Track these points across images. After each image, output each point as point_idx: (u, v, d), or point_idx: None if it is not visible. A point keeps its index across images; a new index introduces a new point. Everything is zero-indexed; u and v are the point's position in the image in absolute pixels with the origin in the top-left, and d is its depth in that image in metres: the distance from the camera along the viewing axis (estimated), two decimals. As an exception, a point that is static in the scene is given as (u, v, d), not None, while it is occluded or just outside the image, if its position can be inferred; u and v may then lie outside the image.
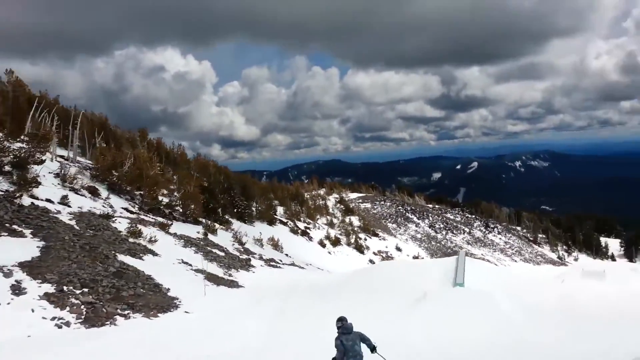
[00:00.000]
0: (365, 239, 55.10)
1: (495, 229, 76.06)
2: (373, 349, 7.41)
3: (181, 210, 25.85)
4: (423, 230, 65.04)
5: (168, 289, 14.45)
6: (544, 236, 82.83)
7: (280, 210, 50.16)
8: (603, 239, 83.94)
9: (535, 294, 18.53)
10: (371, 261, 49.24)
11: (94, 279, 12.71)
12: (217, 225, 27.29)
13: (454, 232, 68.72)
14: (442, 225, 68.84)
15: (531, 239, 79.57)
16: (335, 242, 49.03)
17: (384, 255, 53.38)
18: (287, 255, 31.47)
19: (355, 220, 58.77)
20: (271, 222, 45.11)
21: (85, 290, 12.02)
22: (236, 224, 33.88)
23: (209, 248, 20.98)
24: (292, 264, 27.61)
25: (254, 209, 44.65)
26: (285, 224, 46.79)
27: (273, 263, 24.98)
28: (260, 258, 24.73)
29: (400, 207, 69.36)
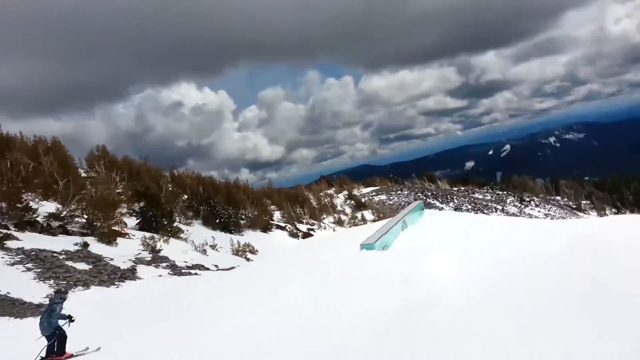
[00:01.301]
0: (382, 233, 48.81)
1: (532, 202, 68.23)
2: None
3: (86, 221, 20.36)
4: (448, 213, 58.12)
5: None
6: (588, 202, 74.20)
7: (278, 215, 44.71)
8: (656, 196, 74.57)
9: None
10: (389, 255, 43.10)
11: None
12: (157, 237, 21.83)
13: (485, 211, 61.39)
14: (470, 207, 61.68)
15: (574, 206, 71.17)
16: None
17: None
18: (250, 260, 26.05)
19: (367, 214, 52.65)
20: (266, 228, 39.71)
21: None
22: (203, 233, 28.65)
23: (71, 263, 15.37)
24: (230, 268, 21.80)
25: (242, 217, 39.44)
26: (283, 228, 41.28)
27: (187, 270, 18.83)
28: (170, 266, 18.62)
29: (419, 194, 62.62)
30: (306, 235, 41.84)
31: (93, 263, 15.30)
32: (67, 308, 8.89)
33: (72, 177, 22.22)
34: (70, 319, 8.72)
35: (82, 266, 14.96)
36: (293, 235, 40.53)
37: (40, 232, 17.58)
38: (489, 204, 65.12)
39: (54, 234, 17.78)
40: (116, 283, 14.27)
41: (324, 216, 48.77)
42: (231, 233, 36.12)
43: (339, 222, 47.73)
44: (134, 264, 16.82)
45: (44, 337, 8.47)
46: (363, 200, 57.88)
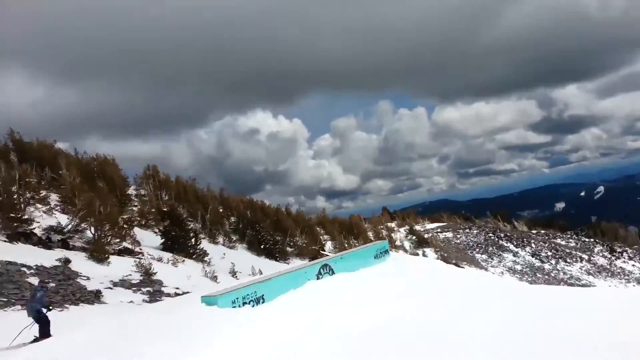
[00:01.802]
0: (444, 275, 44.16)
1: (625, 254, 59.82)
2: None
3: (93, 234, 18.53)
4: (524, 260, 52.02)
5: None
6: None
7: (330, 245, 41.77)
8: None
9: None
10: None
11: None
12: (169, 258, 19.69)
13: (568, 260, 54.47)
14: (549, 253, 55.02)
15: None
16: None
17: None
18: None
19: (430, 253, 48.16)
20: (315, 258, 36.85)
21: None
22: (245, 257, 26.51)
23: (32, 280, 13.33)
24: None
25: (290, 244, 37.09)
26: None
27: (170, 298, 16.02)
28: (153, 292, 15.86)
29: (491, 235, 56.95)
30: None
31: (60, 281, 13.35)
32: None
33: (100, 193, 20.89)
34: (48, 307, 10.24)
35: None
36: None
37: (35, 245, 16.13)
38: (573, 252, 57.85)
39: (49, 248, 16.27)
40: (66, 306, 12.11)
41: (381, 251, 45.02)
42: (276, 260, 33.74)
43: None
44: (111, 286, 14.73)
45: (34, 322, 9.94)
46: (426, 236, 53.39)
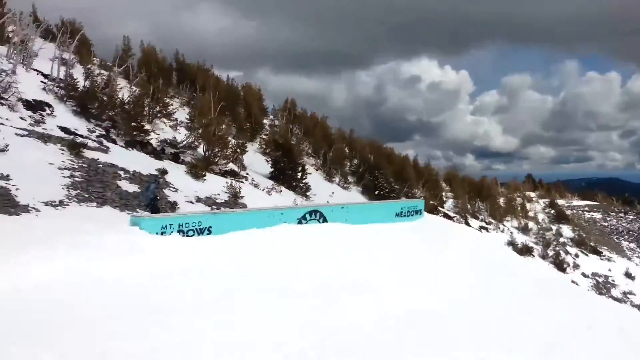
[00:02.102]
0: (577, 256, 40.47)
1: None
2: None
3: (204, 152, 20.74)
4: (684, 257, 44.64)
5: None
6: None
7: (451, 203, 40.86)
8: None
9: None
10: (574, 282, 35.43)
11: None
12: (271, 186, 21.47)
13: None
14: None
15: None
16: (521, 252, 36.99)
17: (600, 279, 38.07)
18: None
19: (567, 230, 44.12)
20: (430, 212, 36.69)
21: None
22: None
23: (122, 183, 15.17)
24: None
25: (408, 195, 37.24)
26: (450, 218, 37.54)
27: None
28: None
29: (649, 223, 49.53)
30: (475, 232, 37.27)
31: (145, 188, 15.10)
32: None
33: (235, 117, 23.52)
34: (156, 197, 13.91)
35: (131, 188, 15.06)
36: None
37: (148, 154, 18.79)
38: None
39: (160, 159, 18.75)
40: (128, 212, 13.52)
41: (508, 218, 42.65)
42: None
43: (524, 229, 41.14)
44: (193, 200, 16.22)
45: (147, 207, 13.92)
46: (568, 212, 48.68)
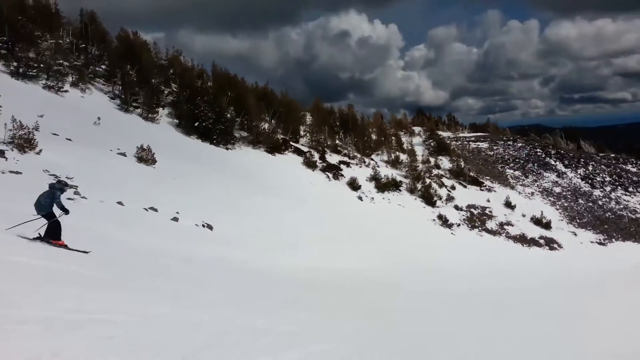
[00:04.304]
0: (453, 188, 34.84)
1: None
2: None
3: None
4: (568, 182, 40.42)
5: None
6: None
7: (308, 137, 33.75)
8: None
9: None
10: (441, 217, 29.75)
11: None
12: None
13: (630, 189, 41.75)
14: (607, 179, 42.46)
15: None
16: (385, 186, 30.80)
17: (476, 211, 32.68)
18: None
19: (445, 162, 38.41)
20: (276, 149, 29.45)
21: None
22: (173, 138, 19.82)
23: None
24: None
25: (246, 127, 29.74)
26: (302, 154, 30.51)
27: None
28: None
29: (538, 150, 44.95)
30: (333, 169, 30.52)
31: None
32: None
33: None
34: (66, 211, 8.30)
35: None
36: (309, 164, 29.60)
37: None
38: (643, 181, 44.45)
39: None
40: None
41: (379, 153, 36.25)
42: (215, 144, 26.79)
43: (394, 163, 34.89)
44: None
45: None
46: (451, 143, 43.04)
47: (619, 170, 45.93)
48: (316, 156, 30.90)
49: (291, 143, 31.47)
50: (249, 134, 29.12)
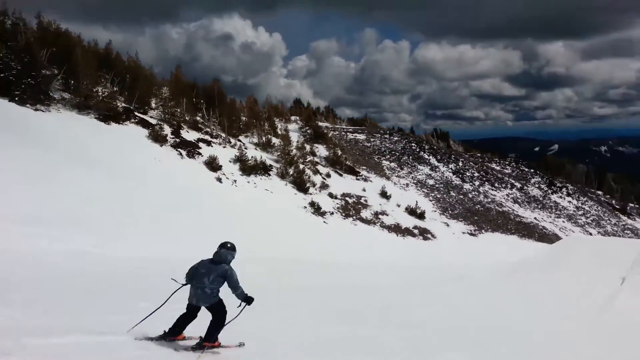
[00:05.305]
0: (328, 175, 31.28)
1: (564, 190, 48.23)
2: (245, 300, 4.71)
3: None
4: (441, 175, 39.60)
5: None
6: (637, 205, 53.23)
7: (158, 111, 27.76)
8: None
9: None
10: (313, 205, 25.79)
11: None
12: None
13: (496, 185, 42.42)
14: (476, 174, 42.72)
15: (617, 206, 50.57)
16: (252, 169, 26.02)
17: (351, 200, 29.43)
18: None
19: (322, 150, 34.95)
20: (113, 118, 22.98)
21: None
22: None
23: None
24: None
25: (62, 80, 22.95)
26: (150, 126, 24.45)
27: None
28: None
29: (413, 145, 44.02)
30: (188, 146, 24.97)
31: None
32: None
33: None
34: (248, 300, 4.80)
35: None
36: (157, 139, 23.71)
37: None
38: (506, 178, 45.81)
39: None
40: None
41: (249, 135, 31.51)
42: (18, 102, 19.68)
43: (265, 146, 30.39)
44: None
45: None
46: (328, 133, 39.93)
47: (485, 167, 46.92)
48: (167, 130, 25.14)
49: (136, 114, 25.27)
50: (75, 95, 22.35)
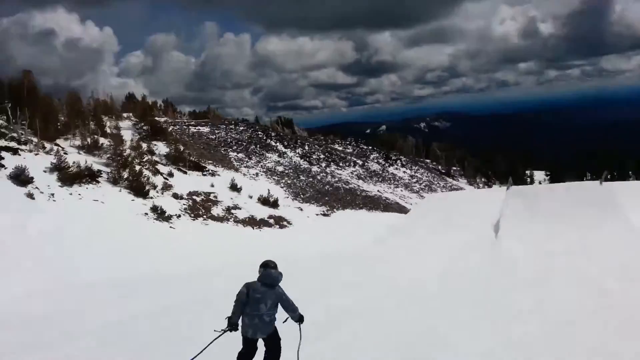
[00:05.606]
0: (170, 175, 28.65)
1: (398, 162, 52.84)
2: (299, 320, 4.57)
3: None
4: (290, 161, 39.80)
5: None
6: (458, 168, 61.31)
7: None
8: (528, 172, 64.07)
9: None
10: (156, 209, 23.17)
11: None
12: None
13: (340, 164, 44.29)
14: (322, 156, 44.01)
15: (443, 171, 57.54)
16: (75, 178, 22.18)
17: (199, 198, 27.42)
18: None
19: (162, 147, 31.96)
20: None
21: None
22: None
23: None
24: None
25: None
26: None
27: None
28: None
29: (259, 133, 43.43)
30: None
31: None
32: None
33: None
34: (301, 318, 4.69)
35: None
36: None
37: None
38: (349, 157, 48.24)
39: None
40: None
41: (70, 137, 27.11)
42: None
43: (90, 149, 26.45)
44: None
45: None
46: (167, 128, 36.86)
47: (329, 149, 48.67)
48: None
49: None
50: None
